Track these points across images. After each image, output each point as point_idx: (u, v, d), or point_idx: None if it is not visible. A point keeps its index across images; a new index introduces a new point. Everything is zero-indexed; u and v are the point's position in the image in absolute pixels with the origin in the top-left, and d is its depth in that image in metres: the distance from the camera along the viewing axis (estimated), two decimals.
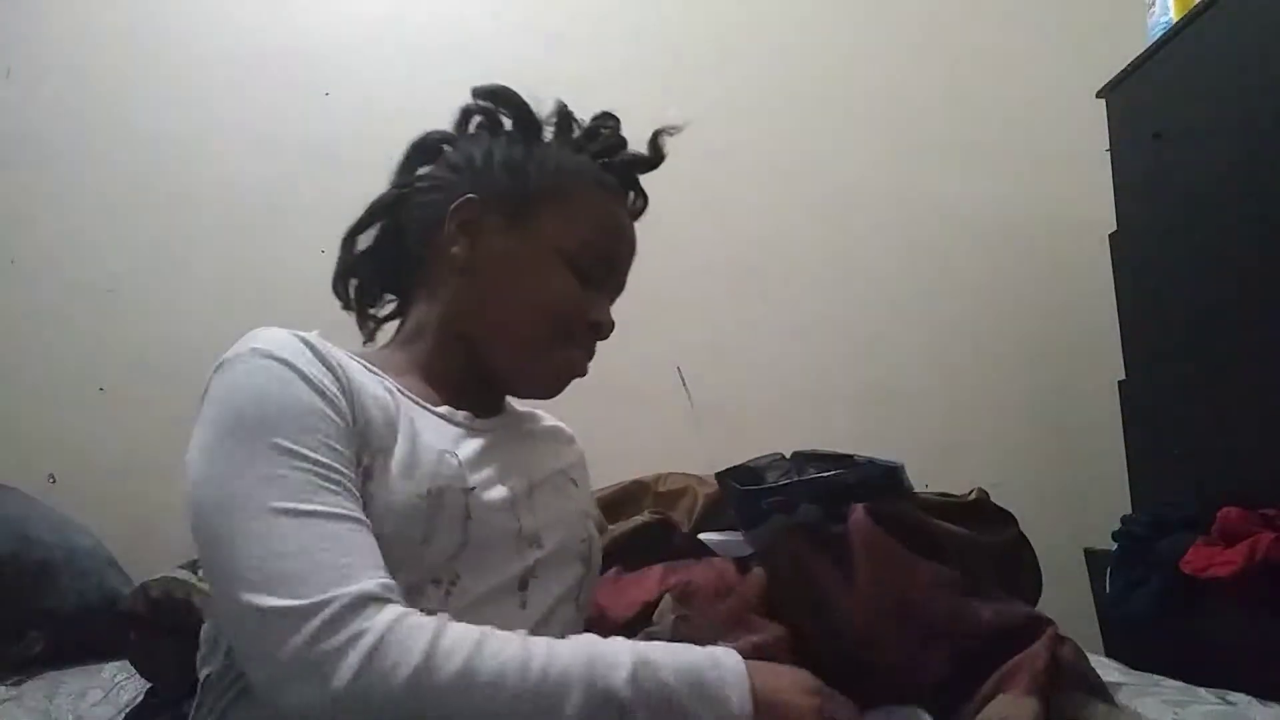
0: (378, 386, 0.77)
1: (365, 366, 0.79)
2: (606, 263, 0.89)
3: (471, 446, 0.81)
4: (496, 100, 0.93)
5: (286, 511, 0.63)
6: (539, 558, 0.81)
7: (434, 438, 0.77)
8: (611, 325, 0.89)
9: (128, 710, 1.20)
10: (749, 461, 1.39)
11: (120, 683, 1.37)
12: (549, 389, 0.88)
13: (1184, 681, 1.10)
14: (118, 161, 2.11)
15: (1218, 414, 1.59)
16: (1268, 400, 1.47)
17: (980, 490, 1.24)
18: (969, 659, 0.90)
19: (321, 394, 0.70)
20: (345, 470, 0.68)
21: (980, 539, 1.11)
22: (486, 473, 0.79)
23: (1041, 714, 0.79)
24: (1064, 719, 0.83)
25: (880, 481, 1.20)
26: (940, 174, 2.27)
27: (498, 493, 0.79)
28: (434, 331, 0.87)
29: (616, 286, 0.93)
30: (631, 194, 0.97)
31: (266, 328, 0.77)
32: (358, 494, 0.68)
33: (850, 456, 1.30)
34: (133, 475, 1.87)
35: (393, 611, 0.61)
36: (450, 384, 0.86)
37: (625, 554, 1.28)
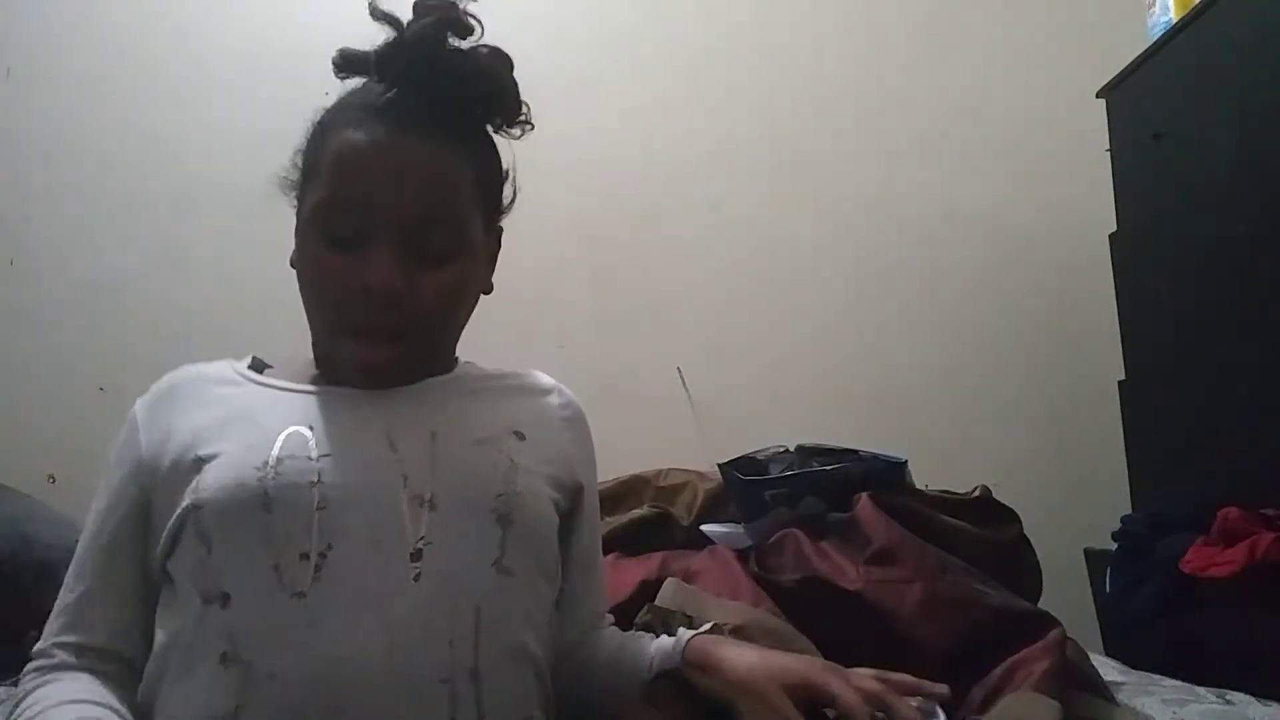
0: (224, 392, 0.82)
1: (237, 378, 0.84)
2: (354, 214, 0.76)
3: (340, 415, 0.78)
4: (336, 70, 0.84)
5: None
6: (431, 520, 0.72)
7: (283, 415, 0.77)
8: (386, 284, 0.74)
9: None
10: (752, 453, 1.39)
11: None
12: (361, 380, 0.80)
13: (1183, 681, 1.10)
14: (118, 161, 2.11)
15: (1218, 414, 1.59)
16: (1268, 400, 1.47)
17: (983, 488, 1.24)
18: (978, 638, 0.90)
19: (123, 443, 0.82)
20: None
21: (983, 535, 1.11)
22: (357, 437, 0.76)
23: (1062, 717, 0.79)
24: (1070, 719, 0.84)
25: (884, 476, 1.21)
26: (940, 174, 2.27)
27: (367, 455, 0.75)
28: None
29: (387, 232, 0.75)
30: (401, 99, 0.77)
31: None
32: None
33: (855, 451, 1.31)
34: None
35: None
36: (343, 365, 0.83)
37: (624, 546, 1.28)
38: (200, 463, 0.74)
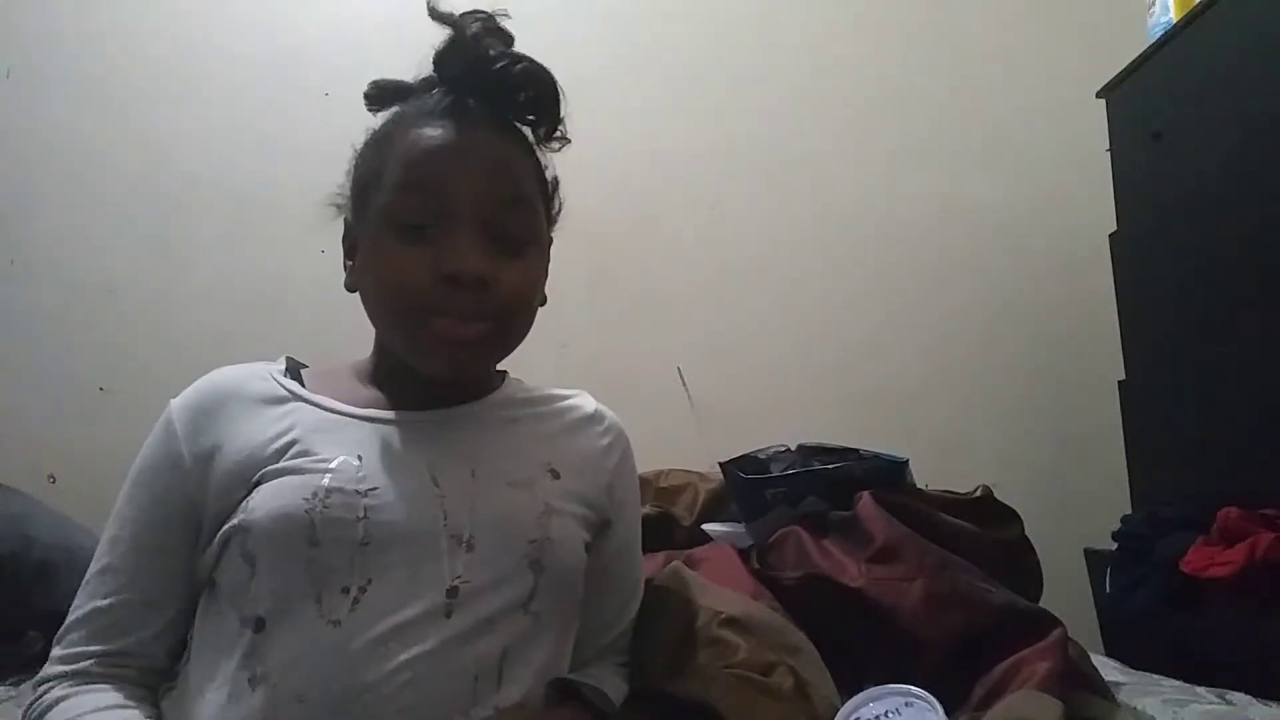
0: (273, 411, 0.79)
1: (283, 392, 0.81)
2: (432, 198, 0.75)
3: (389, 444, 0.78)
4: (368, 103, 0.86)
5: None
6: (468, 560, 0.73)
7: (334, 441, 0.77)
8: (474, 268, 0.74)
9: None
10: (754, 451, 1.40)
11: None
12: (442, 366, 0.78)
13: (1183, 681, 1.11)
14: (118, 161, 2.11)
15: (1218, 414, 1.59)
16: (1268, 400, 1.47)
17: (985, 487, 1.24)
18: (979, 636, 0.91)
19: (159, 447, 0.79)
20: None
21: (984, 534, 1.11)
22: (404, 470, 0.76)
23: (1066, 717, 0.79)
24: (1073, 718, 0.84)
25: (885, 476, 1.21)
26: (940, 174, 2.27)
27: (410, 490, 0.75)
28: (375, 340, 0.88)
29: (468, 217, 0.75)
30: (462, 101, 0.79)
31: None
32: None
33: (856, 450, 1.31)
34: None
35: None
36: (389, 383, 0.85)
37: None
38: (250, 485, 0.74)
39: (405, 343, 0.79)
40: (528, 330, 0.84)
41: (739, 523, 1.36)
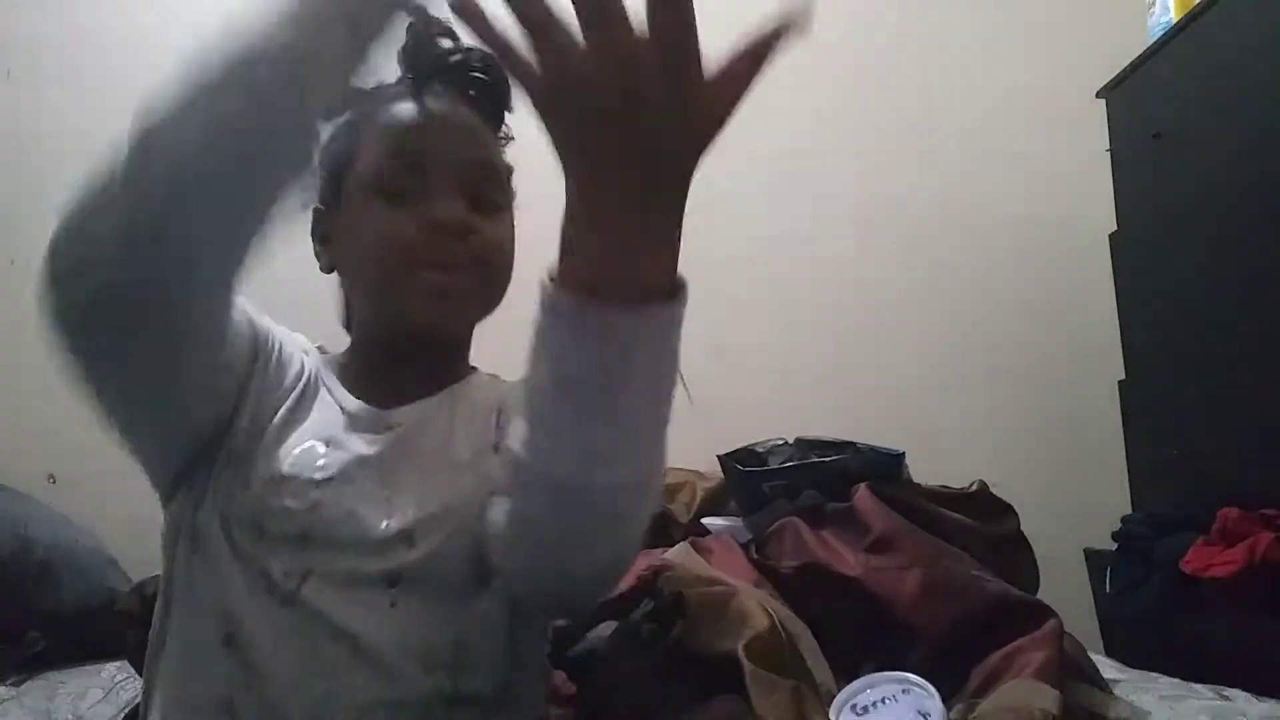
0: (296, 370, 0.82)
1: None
2: (414, 165, 0.78)
3: (354, 436, 0.78)
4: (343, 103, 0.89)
5: None
6: (408, 560, 0.72)
7: (314, 425, 0.79)
8: (458, 216, 0.78)
9: (127, 710, 1.20)
10: (753, 445, 1.40)
11: (120, 683, 1.37)
12: (429, 316, 0.79)
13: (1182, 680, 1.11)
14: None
15: (1218, 414, 1.59)
16: (1268, 400, 1.47)
17: (981, 482, 1.24)
18: (975, 624, 0.91)
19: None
20: None
21: (980, 528, 1.12)
22: (358, 462, 0.76)
23: (1062, 705, 0.79)
24: (1073, 709, 0.84)
25: (882, 469, 1.22)
26: (940, 173, 2.26)
27: (359, 484, 0.75)
28: (351, 335, 0.90)
29: (448, 180, 0.79)
30: (429, 86, 0.83)
31: None
32: None
33: (853, 444, 1.32)
34: (133, 475, 1.84)
35: None
36: (363, 379, 0.84)
37: None
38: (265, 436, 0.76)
39: (394, 297, 0.80)
40: (505, 288, 0.85)
41: (737, 518, 1.37)
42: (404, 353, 0.84)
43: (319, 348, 0.91)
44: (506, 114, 0.87)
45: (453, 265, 0.78)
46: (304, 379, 0.82)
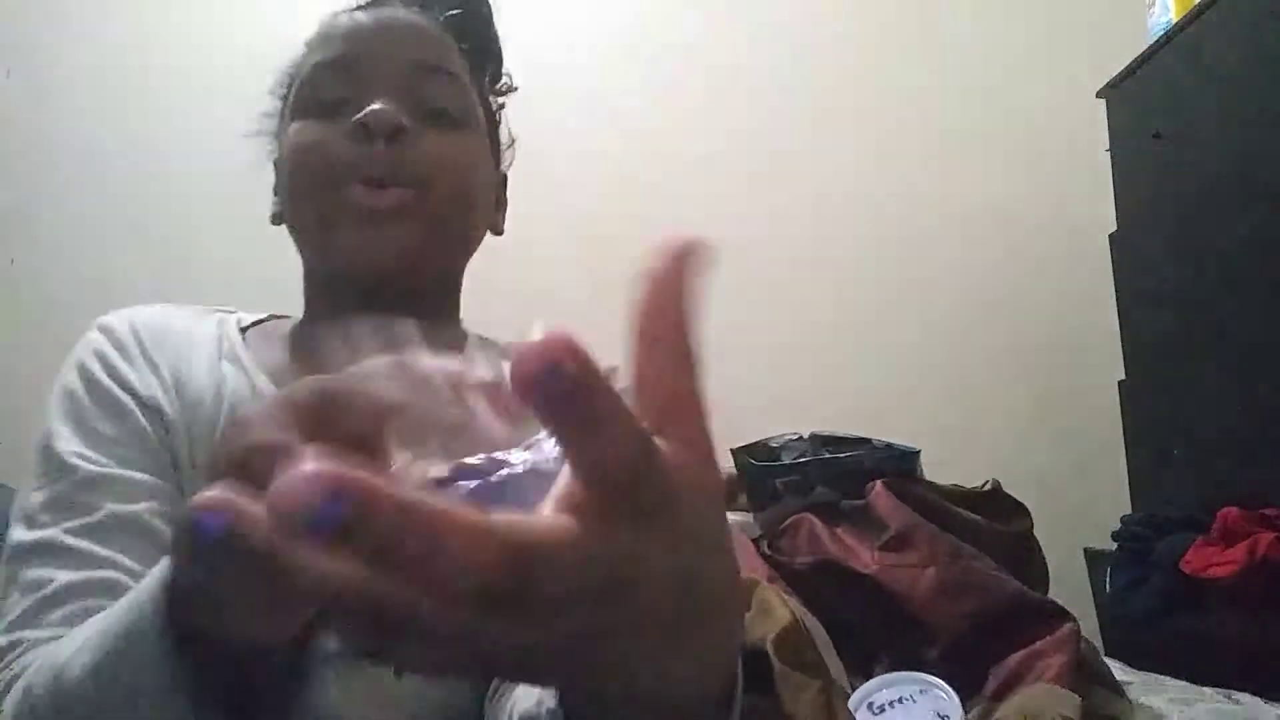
0: (207, 364, 0.72)
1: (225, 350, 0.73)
2: (346, 70, 0.69)
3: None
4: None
5: None
6: None
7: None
8: (388, 116, 0.65)
9: None
10: (766, 439, 1.39)
11: None
12: (357, 247, 0.66)
13: (1186, 681, 1.10)
14: (118, 161, 2.11)
15: (1218, 414, 1.59)
16: (1268, 400, 1.47)
17: (995, 481, 1.24)
18: (990, 623, 0.91)
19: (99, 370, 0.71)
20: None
21: (994, 527, 1.11)
22: None
23: (1082, 711, 0.79)
24: (1092, 714, 0.84)
25: (897, 466, 1.21)
26: (940, 174, 2.27)
27: None
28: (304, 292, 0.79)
29: (387, 85, 0.67)
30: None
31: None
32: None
33: (868, 440, 1.31)
34: None
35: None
36: (318, 348, 0.72)
37: None
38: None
39: (321, 225, 0.69)
40: (464, 221, 0.72)
41: (747, 513, 1.36)
42: (355, 310, 0.70)
43: (255, 321, 0.80)
44: (468, 22, 0.76)
45: (387, 180, 0.65)
46: (225, 400, 0.69)
